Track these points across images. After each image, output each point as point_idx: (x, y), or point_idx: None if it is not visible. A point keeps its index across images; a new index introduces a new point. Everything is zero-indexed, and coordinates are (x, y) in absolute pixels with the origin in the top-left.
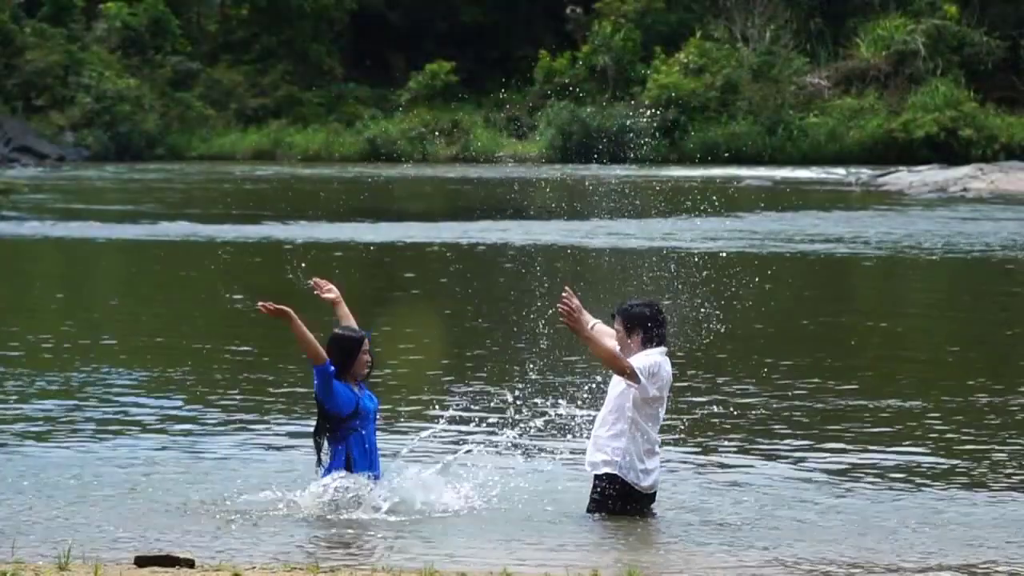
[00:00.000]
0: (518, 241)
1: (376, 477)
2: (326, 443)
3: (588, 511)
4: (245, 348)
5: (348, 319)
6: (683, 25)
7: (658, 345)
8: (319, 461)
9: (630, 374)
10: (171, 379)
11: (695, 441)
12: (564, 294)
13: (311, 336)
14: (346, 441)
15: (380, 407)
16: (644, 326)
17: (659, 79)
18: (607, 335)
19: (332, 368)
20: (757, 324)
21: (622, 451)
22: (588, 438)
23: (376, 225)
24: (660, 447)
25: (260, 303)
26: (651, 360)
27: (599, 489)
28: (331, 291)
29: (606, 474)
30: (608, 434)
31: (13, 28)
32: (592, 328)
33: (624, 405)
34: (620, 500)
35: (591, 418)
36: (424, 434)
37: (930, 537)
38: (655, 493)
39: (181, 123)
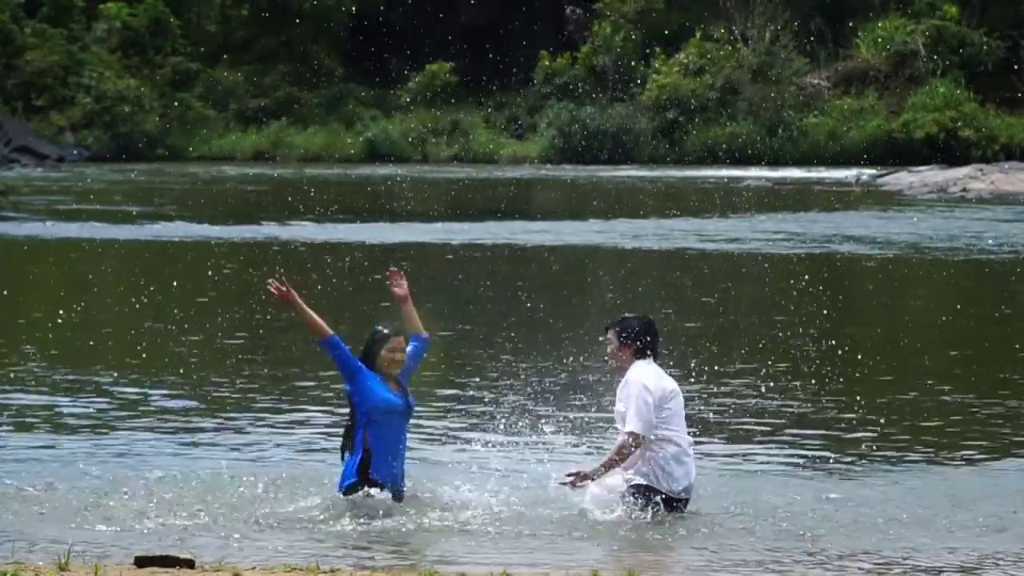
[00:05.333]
0: (540, 242)
1: (395, 478)
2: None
3: (617, 517)
4: (246, 347)
5: (412, 319)
6: (683, 25)
7: (647, 357)
8: (345, 449)
9: (639, 440)
10: (172, 379)
11: (697, 443)
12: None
13: (312, 315)
14: (365, 433)
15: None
16: (637, 339)
17: (659, 79)
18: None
19: (335, 339)
20: (755, 323)
21: (648, 460)
22: (588, 437)
23: (397, 225)
24: (692, 447)
25: (271, 282)
26: (641, 396)
27: (632, 498)
28: (402, 287)
29: (637, 485)
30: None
31: (13, 28)
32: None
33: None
34: (653, 507)
35: (592, 418)
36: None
37: (937, 534)
38: (688, 499)
39: (181, 123)
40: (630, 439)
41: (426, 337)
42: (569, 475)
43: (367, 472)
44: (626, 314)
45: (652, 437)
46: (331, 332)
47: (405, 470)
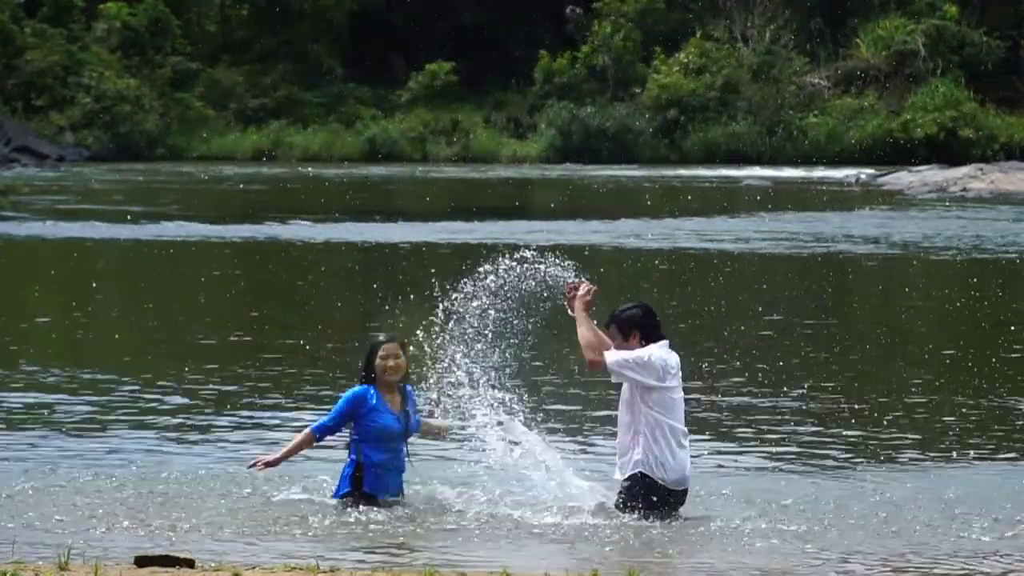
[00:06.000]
0: (542, 242)
1: (389, 490)
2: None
3: (616, 507)
4: (246, 348)
5: (433, 430)
6: (683, 25)
7: (659, 340)
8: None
9: (600, 365)
10: (171, 379)
11: (694, 442)
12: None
13: (293, 449)
14: (358, 452)
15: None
16: (638, 327)
17: (659, 79)
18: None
19: (320, 433)
20: (756, 323)
21: (643, 449)
22: (588, 436)
23: (407, 225)
24: (687, 439)
25: (257, 463)
26: (636, 353)
27: (627, 488)
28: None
29: (633, 474)
30: (628, 436)
31: (13, 28)
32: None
33: (635, 403)
34: (648, 499)
35: (591, 417)
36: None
37: (938, 534)
38: (686, 491)
39: (181, 123)
40: (600, 364)
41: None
42: (583, 284)
43: (360, 485)
44: (622, 306)
45: (651, 410)
46: (311, 435)
47: (404, 476)
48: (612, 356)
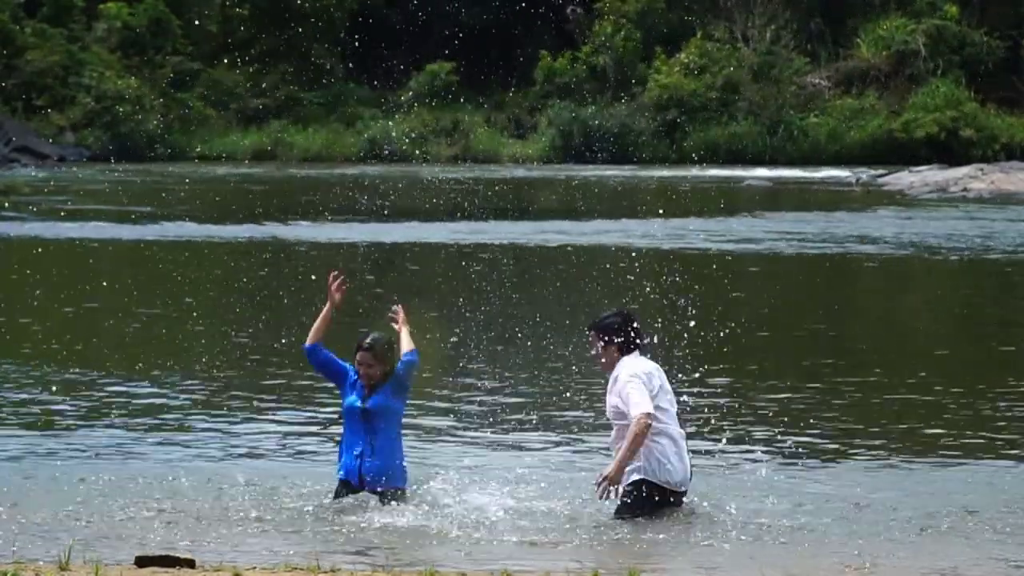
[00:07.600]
0: (545, 241)
1: (349, 471)
2: None
3: (616, 515)
4: (244, 348)
5: (402, 343)
6: (684, 25)
7: (635, 351)
8: None
9: (648, 424)
10: (170, 379)
11: (695, 441)
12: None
13: (323, 324)
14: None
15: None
16: (618, 335)
17: (659, 79)
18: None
19: (309, 348)
20: (759, 324)
21: (644, 455)
22: (587, 435)
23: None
24: (684, 439)
25: (334, 276)
26: (638, 387)
27: (631, 494)
28: (396, 317)
29: (635, 480)
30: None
31: (13, 28)
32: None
33: (628, 414)
34: (651, 502)
35: (592, 417)
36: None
37: (940, 536)
38: (686, 492)
39: (181, 123)
40: (643, 420)
41: (410, 359)
42: (599, 487)
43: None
44: (604, 313)
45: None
46: (314, 341)
47: (391, 470)
48: (644, 409)
